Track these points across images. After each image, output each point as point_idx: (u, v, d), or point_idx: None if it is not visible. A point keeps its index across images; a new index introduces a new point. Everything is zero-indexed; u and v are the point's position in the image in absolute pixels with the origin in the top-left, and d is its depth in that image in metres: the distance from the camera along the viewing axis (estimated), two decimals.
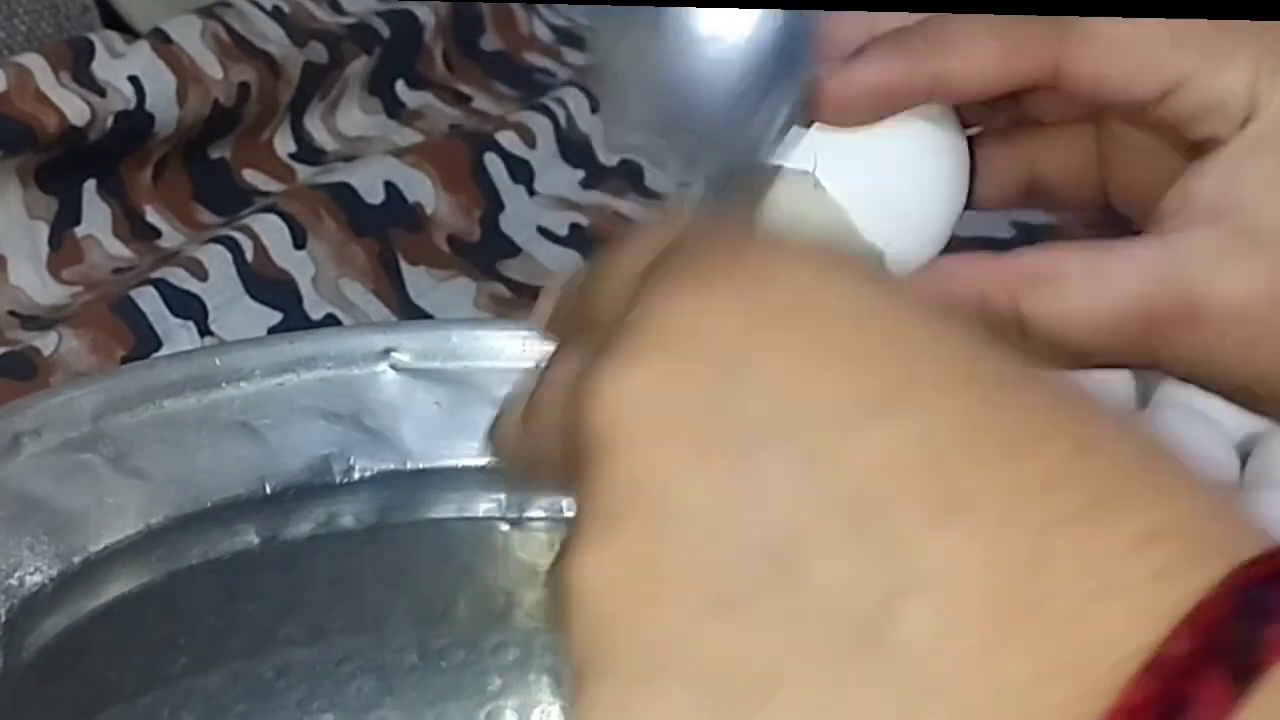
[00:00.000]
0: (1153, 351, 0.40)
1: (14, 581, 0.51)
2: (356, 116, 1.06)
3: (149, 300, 0.77)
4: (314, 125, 1.03)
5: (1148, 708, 0.23)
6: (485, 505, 0.56)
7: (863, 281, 0.28)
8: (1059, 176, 0.45)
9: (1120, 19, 0.38)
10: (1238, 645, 0.22)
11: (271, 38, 0.99)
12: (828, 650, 0.24)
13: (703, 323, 0.27)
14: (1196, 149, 0.41)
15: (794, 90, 0.36)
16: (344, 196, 0.88)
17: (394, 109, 1.08)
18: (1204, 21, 0.39)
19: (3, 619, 0.50)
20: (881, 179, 0.40)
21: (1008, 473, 0.25)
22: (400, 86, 1.09)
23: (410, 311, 0.85)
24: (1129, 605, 0.24)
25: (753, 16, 0.35)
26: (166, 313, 0.78)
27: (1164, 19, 0.39)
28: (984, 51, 0.40)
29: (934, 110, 0.41)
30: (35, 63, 0.85)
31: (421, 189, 0.91)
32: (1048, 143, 0.44)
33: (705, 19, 0.34)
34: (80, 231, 0.88)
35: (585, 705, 0.26)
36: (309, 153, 1.01)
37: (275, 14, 1.02)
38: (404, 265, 0.87)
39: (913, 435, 0.25)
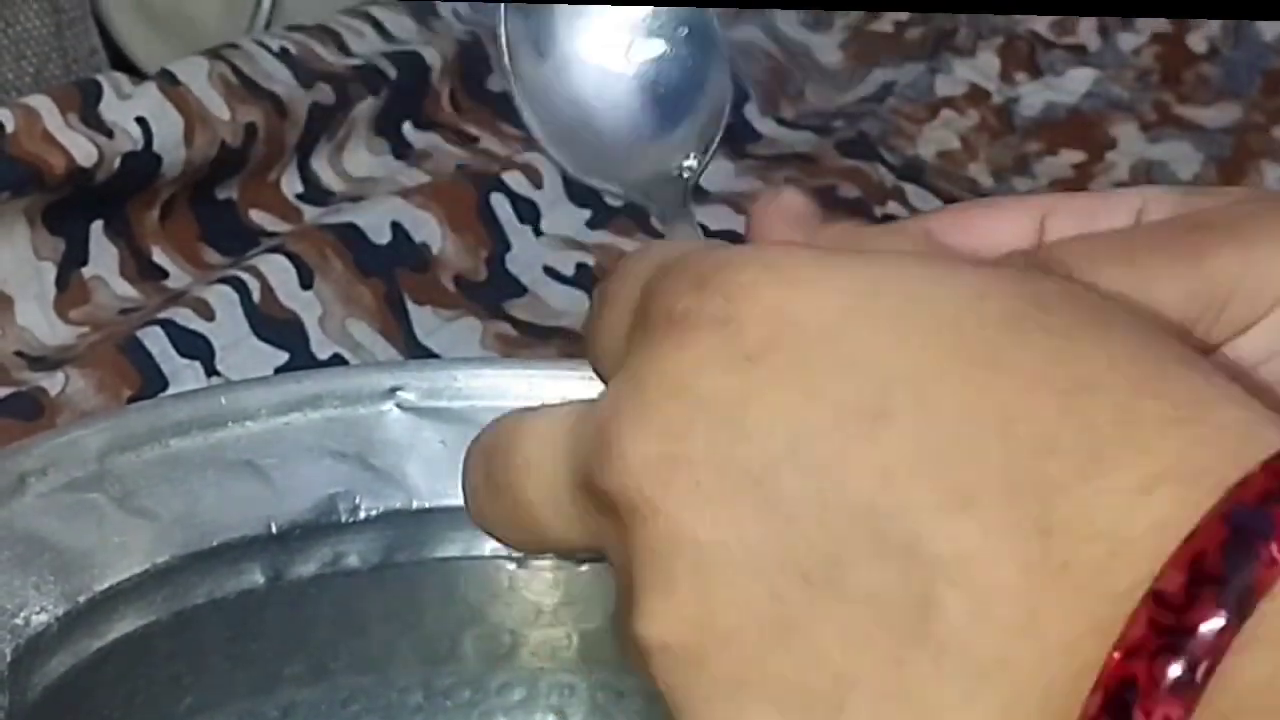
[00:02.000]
0: None
1: (19, 621, 0.51)
2: (363, 157, 1.06)
3: (156, 340, 0.77)
4: (321, 166, 1.03)
5: (1148, 642, 0.24)
6: (491, 544, 0.56)
7: (829, 285, 0.28)
8: None
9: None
10: (1226, 574, 0.24)
11: (278, 79, 1.00)
12: (882, 652, 0.26)
13: (689, 375, 0.28)
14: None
15: (711, 116, 0.35)
16: (351, 237, 0.88)
17: (401, 150, 1.08)
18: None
19: (8, 659, 0.49)
20: None
21: (1000, 451, 0.26)
22: (407, 127, 1.10)
23: (417, 351, 0.85)
24: (1137, 558, 0.25)
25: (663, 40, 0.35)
26: (173, 353, 0.78)
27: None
28: None
29: None
30: (43, 104, 0.85)
31: (428, 229, 0.91)
32: None
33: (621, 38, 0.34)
34: (87, 272, 0.88)
35: None
36: (316, 193, 1.01)
37: (282, 55, 1.02)
38: (411, 305, 0.87)
39: (908, 434, 0.27)
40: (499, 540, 0.35)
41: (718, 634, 0.27)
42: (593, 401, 0.30)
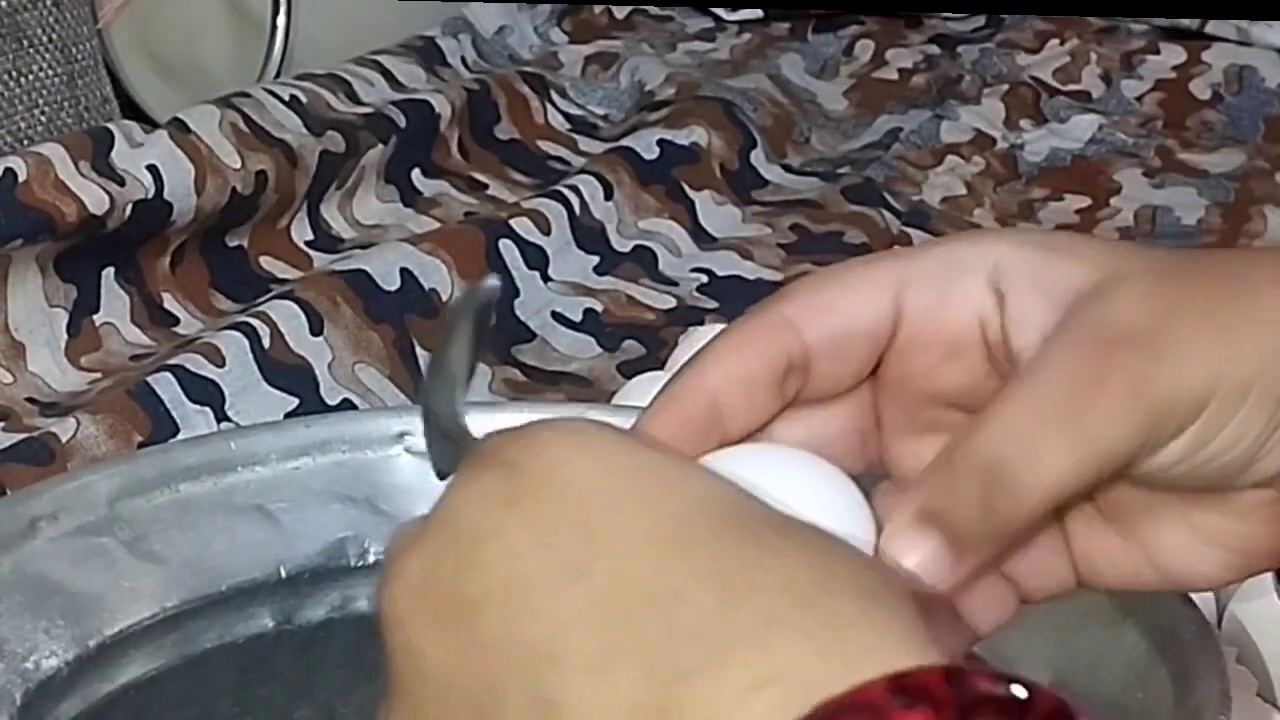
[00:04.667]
0: None
1: (30, 665, 0.51)
2: (373, 204, 1.07)
3: (166, 387, 0.78)
4: (331, 213, 1.04)
5: None
6: None
7: (602, 449, 0.32)
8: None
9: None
10: None
11: (289, 127, 1.01)
12: None
13: (465, 504, 0.32)
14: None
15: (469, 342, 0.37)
16: (360, 283, 0.88)
17: (410, 197, 1.09)
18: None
19: (19, 702, 0.50)
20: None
21: (658, 627, 0.29)
22: (416, 175, 1.10)
23: None
24: None
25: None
26: (184, 399, 0.78)
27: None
28: None
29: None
30: (55, 152, 0.86)
31: (437, 275, 0.92)
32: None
33: None
34: (99, 319, 0.88)
35: None
36: (326, 240, 1.02)
37: (293, 104, 1.03)
38: (420, 351, 0.88)
39: (597, 597, 0.30)
40: None
41: None
42: None
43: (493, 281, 0.37)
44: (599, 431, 0.33)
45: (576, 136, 1.22)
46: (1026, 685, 0.27)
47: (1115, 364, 0.34)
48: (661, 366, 0.83)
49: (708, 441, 0.36)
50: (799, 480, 0.36)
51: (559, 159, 1.19)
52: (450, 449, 0.36)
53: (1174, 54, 1.38)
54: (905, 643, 0.29)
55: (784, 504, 0.33)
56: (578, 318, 0.95)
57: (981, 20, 1.48)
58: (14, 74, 0.94)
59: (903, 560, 0.34)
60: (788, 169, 1.19)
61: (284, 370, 0.82)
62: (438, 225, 1.03)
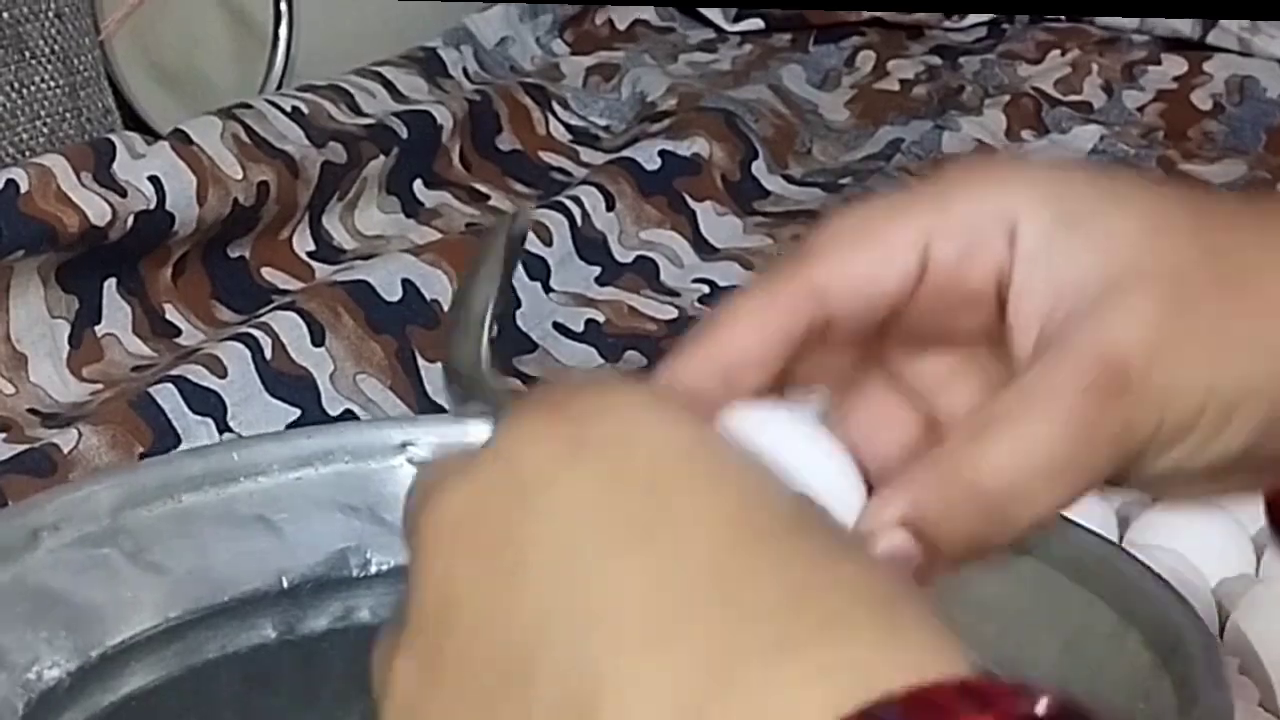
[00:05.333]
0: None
1: (32, 675, 0.51)
2: (375, 215, 1.07)
3: (168, 397, 0.78)
4: (333, 224, 1.04)
5: None
6: None
7: (676, 421, 0.31)
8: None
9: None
10: None
11: (291, 138, 1.01)
12: None
13: (525, 445, 0.31)
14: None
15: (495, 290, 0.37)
16: (362, 294, 0.88)
17: (412, 208, 1.09)
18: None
19: (21, 713, 0.50)
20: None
21: (721, 608, 0.28)
22: (418, 185, 1.10)
23: (428, 407, 0.85)
24: None
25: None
26: (186, 409, 0.78)
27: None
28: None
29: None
30: (57, 163, 0.86)
31: (439, 286, 0.92)
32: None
33: None
34: (100, 330, 0.88)
35: None
36: (328, 251, 1.02)
37: (294, 115, 1.03)
38: (421, 362, 0.88)
39: (654, 569, 0.29)
40: None
41: (436, 687, 0.30)
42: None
43: (529, 213, 0.37)
44: (670, 402, 0.32)
45: (578, 147, 1.22)
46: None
47: (1108, 413, 0.35)
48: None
49: (717, 404, 0.37)
50: (792, 444, 0.36)
51: (560, 170, 1.19)
52: (466, 391, 0.35)
53: (1175, 64, 1.39)
54: (947, 644, 0.28)
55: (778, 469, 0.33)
56: (579, 328, 0.95)
57: (983, 31, 1.48)
58: (16, 85, 0.94)
59: (884, 552, 0.35)
60: (789, 180, 1.19)
61: (286, 381, 0.82)
62: (439, 236, 1.03)
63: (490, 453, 0.31)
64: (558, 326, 0.95)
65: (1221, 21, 1.42)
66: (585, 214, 1.04)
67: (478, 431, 0.58)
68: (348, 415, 0.82)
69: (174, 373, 0.80)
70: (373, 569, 0.57)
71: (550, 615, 0.29)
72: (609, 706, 0.28)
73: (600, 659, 0.28)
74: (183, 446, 0.76)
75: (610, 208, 1.06)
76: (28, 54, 0.95)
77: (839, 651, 0.28)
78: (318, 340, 0.85)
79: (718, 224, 1.10)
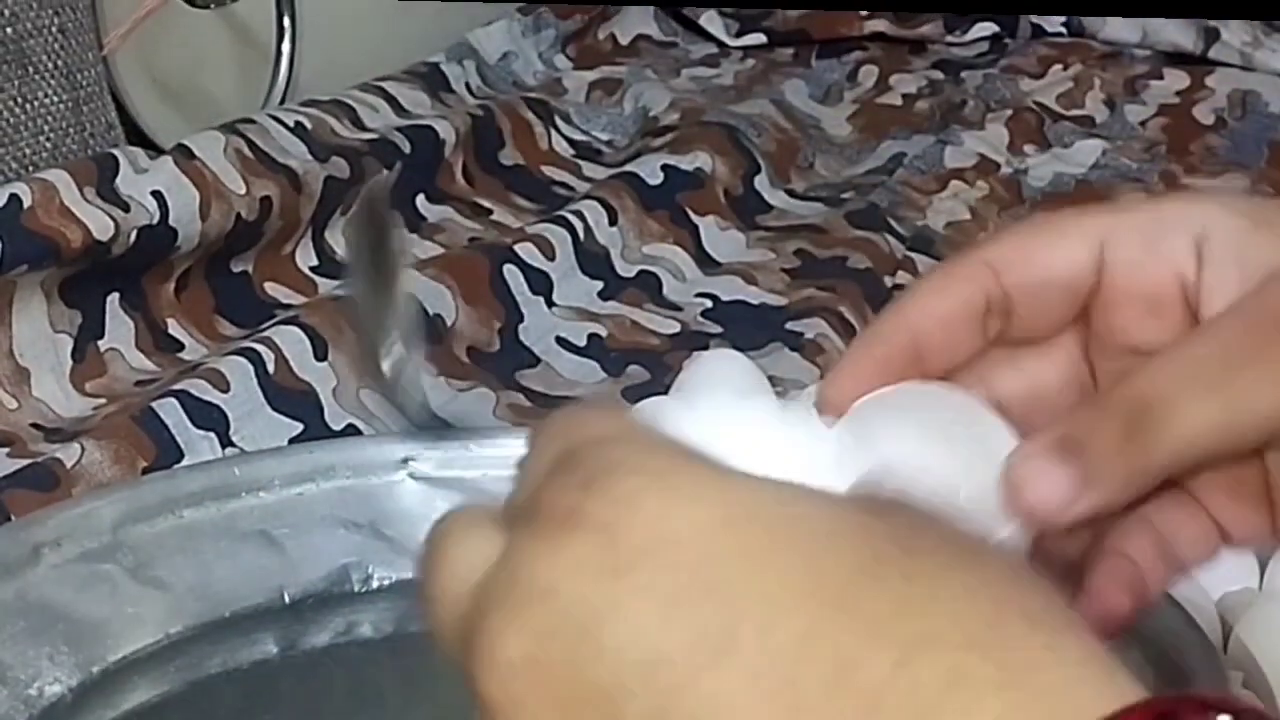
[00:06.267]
0: None
1: (33, 691, 0.51)
2: None
3: (171, 412, 0.78)
4: (335, 239, 1.04)
5: None
6: None
7: (707, 504, 0.29)
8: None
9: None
10: None
11: (293, 153, 1.01)
12: None
13: (561, 579, 0.29)
14: None
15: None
16: None
17: (414, 222, 1.09)
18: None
19: None
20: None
21: (835, 699, 0.27)
22: (421, 200, 1.10)
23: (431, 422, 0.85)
24: None
25: None
26: (188, 424, 0.78)
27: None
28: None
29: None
30: (60, 178, 0.86)
31: (442, 301, 0.92)
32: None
33: None
34: (103, 344, 0.88)
35: None
36: (330, 265, 1.02)
37: (297, 130, 1.03)
38: (424, 377, 0.88)
39: (753, 669, 0.27)
40: None
41: None
42: (503, 553, 0.31)
43: (381, 178, 0.36)
44: (684, 465, 0.30)
45: (580, 162, 1.23)
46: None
47: (1274, 339, 0.34)
48: (666, 391, 0.83)
49: (906, 377, 0.37)
50: (951, 421, 0.36)
51: (563, 184, 1.19)
52: (396, 406, 0.34)
53: (1177, 79, 1.39)
54: (1096, 672, 0.27)
55: (927, 467, 0.33)
56: (582, 343, 0.95)
57: (985, 46, 1.48)
58: (19, 100, 0.94)
59: (1027, 487, 0.34)
60: (792, 194, 1.19)
61: (288, 395, 0.82)
62: (442, 251, 1.03)
63: (524, 588, 0.29)
64: (560, 341, 0.95)
65: (1224, 36, 1.42)
66: (588, 228, 1.04)
67: (480, 448, 0.58)
68: (350, 430, 0.82)
69: (177, 387, 0.80)
70: (374, 584, 0.57)
71: None
72: None
73: None
74: (185, 461, 0.76)
75: (613, 222, 1.06)
76: (31, 69, 0.95)
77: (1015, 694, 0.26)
78: (320, 355, 0.85)
79: (720, 238, 1.10)
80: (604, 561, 0.29)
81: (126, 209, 0.87)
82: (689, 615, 0.28)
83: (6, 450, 0.79)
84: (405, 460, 0.58)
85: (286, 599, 0.56)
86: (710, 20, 1.49)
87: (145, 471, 0.75)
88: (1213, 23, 1.43)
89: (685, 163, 1.14)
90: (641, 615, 0.28)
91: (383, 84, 1.18)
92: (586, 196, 1.09)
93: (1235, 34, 1.42)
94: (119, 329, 0.89)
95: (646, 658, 0.28)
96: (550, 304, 0.98)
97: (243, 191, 0.94)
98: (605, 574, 0.29)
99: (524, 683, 0.29)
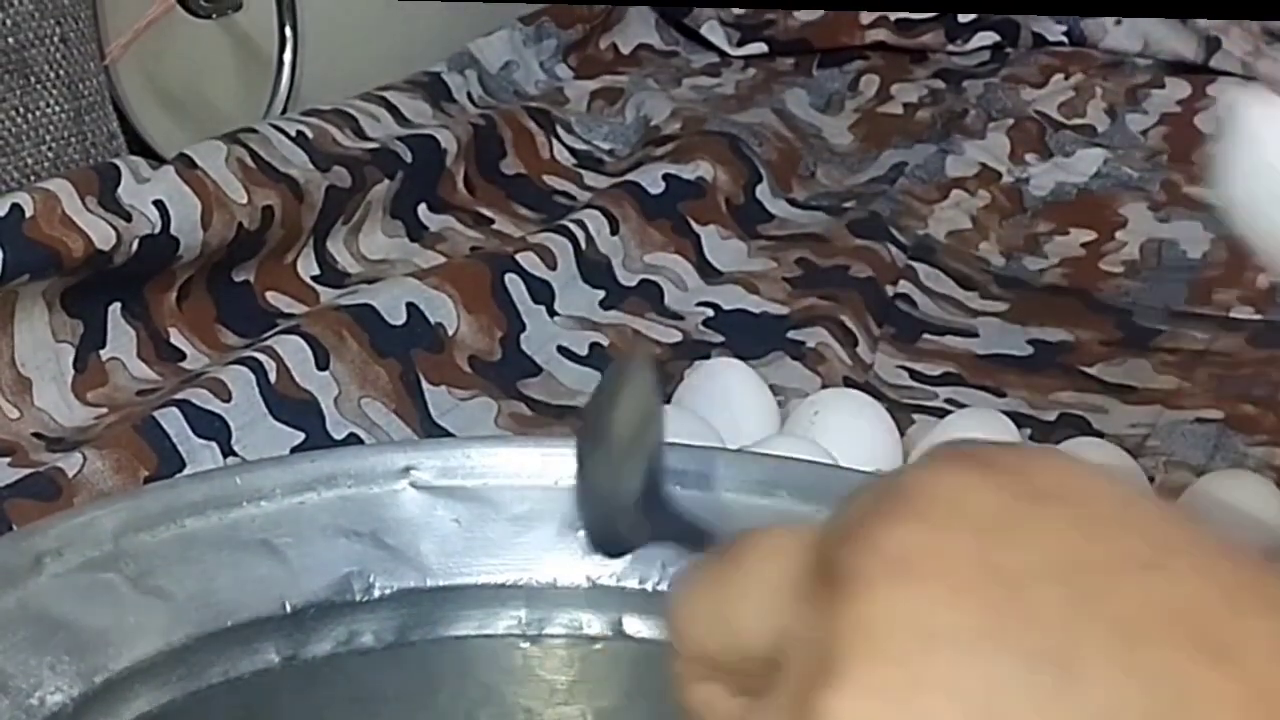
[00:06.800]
0: None
1: (35, 701, 0.51)
2: (379, 239, 1.07)
3: (173, 421, 0.78)
4: (337, 248, 1.04)
5: None
6: (505, 622, 0.56)
7: (1109, 478, 0.30)
8: None
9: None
10: None
11: (295, 162, 1.01)
12: None
13: (967, 497, 0.29)
14: None
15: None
16: (366, 318, 0.88)
17: (416, 231, 1.09)
18: None
19: None
20: None
21: (1265, 625, 0.27)
22: (422, 209, 1.10)
23: (432, 431, 0.85)
24: None
25: None
26: (190, 433, 0.78)
27: None
28: None
29: None
30: (62, 188, 0.86)
31: (443, 310, 0.92)
32: None
33: None
34: (105, 354, 0.88)
35: None
36: (332, 275, 1.02)
37: (299, 139, 1.03)
38: (426, 385, 0.88)
39: (1177, 588, 0.28)
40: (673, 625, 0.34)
41: (913, 711, 0.27)
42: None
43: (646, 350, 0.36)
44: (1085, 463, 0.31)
45: (582, 171, 1.23)
46: None
47: None
48: (668, 401, 0.83)
49: None
50: None
51: (565, 194, 1.19)
52: (613, 523, 0.34)
53: (1179, 88, 1.39)
54: None
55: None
56: (584, 352, 0.95)
57: (986, 55, 1.48)
58: (21, 110, 0.95)
59: None
60: (793, 203, 1.19)
61: (290, 404, 0.82)
62: (444, 260, 1.03)
63: (918, 498, 0.29)
64: (561, 350, 0.95)
65: (1225, 45, 1.42)
66: (589, 237, 1.04)
67: (481, 457, 0.58)
68: (352, 439, 0.82)
69: (178, 397, 0.80)
70: (376, 593, 0.57)
71: (1070, 624, 0.27)
72: (1183, 716, 0.27)
73: (1160, 665, 0.27)
74: (187, 470, 0.76)
75: (614, 231, 1.06)
76: (32, 79, 0.95)
77: None
78: (322, 364, 0.85)
79: (722, 247, 1.10)
80: (1016, 490, 0.29)
81: (128, 218, 0.87)
82: (1116, 539, 0.29)
83: (8, 460, 0.79)
84: (406, 469, 0.58)
85: (288, 608, 0.56)
86: (711, 29, 1.49)
87: (147, 481, 0.75)
88: (1214, 32, 1.43)
89: (687, 172, 1.14)
90: (1061, 528, 0.29)
91: (384, 93, 1.18)
92: (588, 206, 1.09)
93: (1236, 43, 1.42)
94: (121, 338, 0.89)
95: (1068, 557, 0.28)
96: (552, 313, 0.98)
97: (244, 201, 0.94)
98: (1018, 499, 0.29)
99: (908, 560, 0.29)
